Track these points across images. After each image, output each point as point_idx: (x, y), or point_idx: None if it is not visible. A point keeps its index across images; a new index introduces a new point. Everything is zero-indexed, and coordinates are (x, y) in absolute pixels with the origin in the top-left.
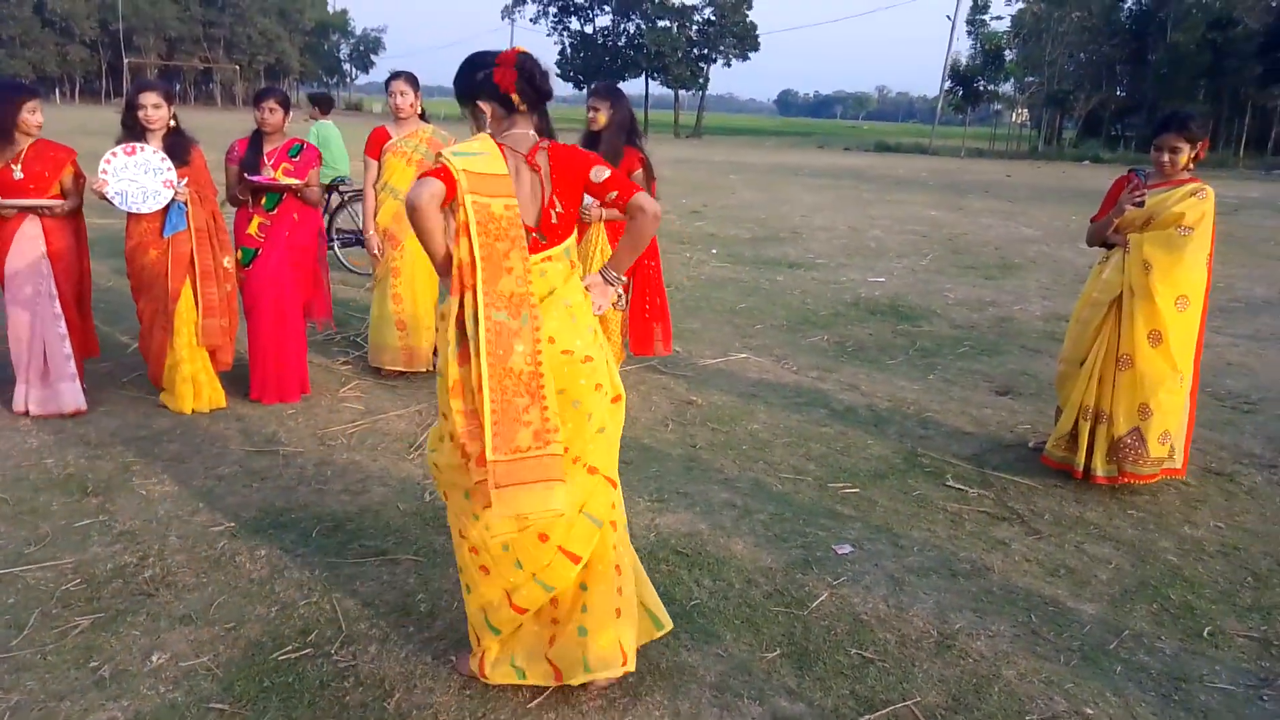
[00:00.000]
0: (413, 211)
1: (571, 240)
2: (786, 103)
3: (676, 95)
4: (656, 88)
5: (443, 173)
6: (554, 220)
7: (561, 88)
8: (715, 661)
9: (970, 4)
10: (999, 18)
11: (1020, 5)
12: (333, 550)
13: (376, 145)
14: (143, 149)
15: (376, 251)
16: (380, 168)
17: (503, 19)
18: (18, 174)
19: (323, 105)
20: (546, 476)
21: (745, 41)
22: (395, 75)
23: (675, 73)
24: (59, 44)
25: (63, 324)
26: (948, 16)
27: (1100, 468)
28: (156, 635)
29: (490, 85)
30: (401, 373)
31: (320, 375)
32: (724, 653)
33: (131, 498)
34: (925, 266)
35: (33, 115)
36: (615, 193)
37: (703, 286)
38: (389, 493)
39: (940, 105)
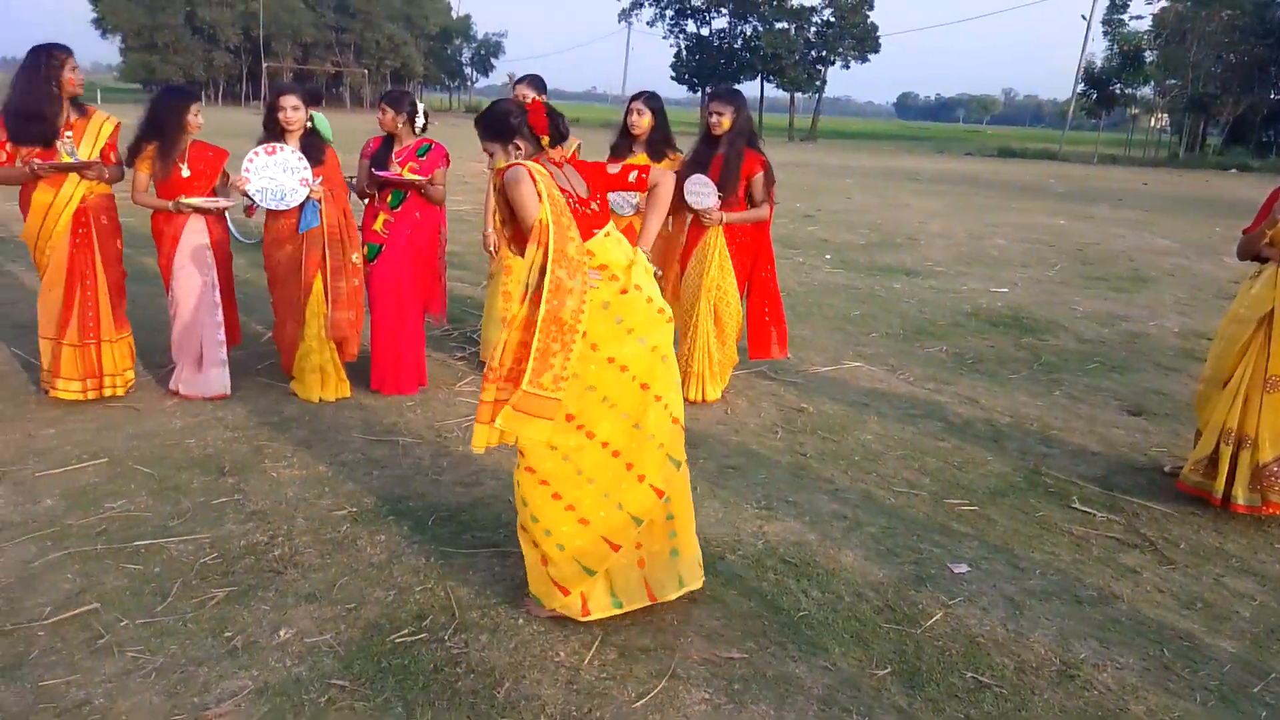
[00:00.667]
0: (516, 183)
1: (612, 227)
2: (905, 106)
3: (792, 98)
4: (771, 90)
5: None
6: (594, 209)
7: (675, 90)
8: (822, 674)
9: (1107, 3)
10: (1138, 17)
11: (1163, 4)
12: (447, 539)
13: None
14: (281, 149)
15: (492, 249)
16: None
17: (619, 22)
18: (185, 172)
19: (314, 97)
20: (547, 415)
21: (865, 43)
22: (521, 79)
23: (791, 75)
24: (206, 50)
25: (220, 313)
26: (1083, 16)
27: (1242, 496)
28: (284, 611)
29: (526, 127)
30: None
31: (437, 370)
32: (831, 666)
33: (263, 479)
34: (1051, 277)
35: (195, 118)
36: (635, 173)
37: (814, 292)
38: (500, 487)
39: (1072, 109)
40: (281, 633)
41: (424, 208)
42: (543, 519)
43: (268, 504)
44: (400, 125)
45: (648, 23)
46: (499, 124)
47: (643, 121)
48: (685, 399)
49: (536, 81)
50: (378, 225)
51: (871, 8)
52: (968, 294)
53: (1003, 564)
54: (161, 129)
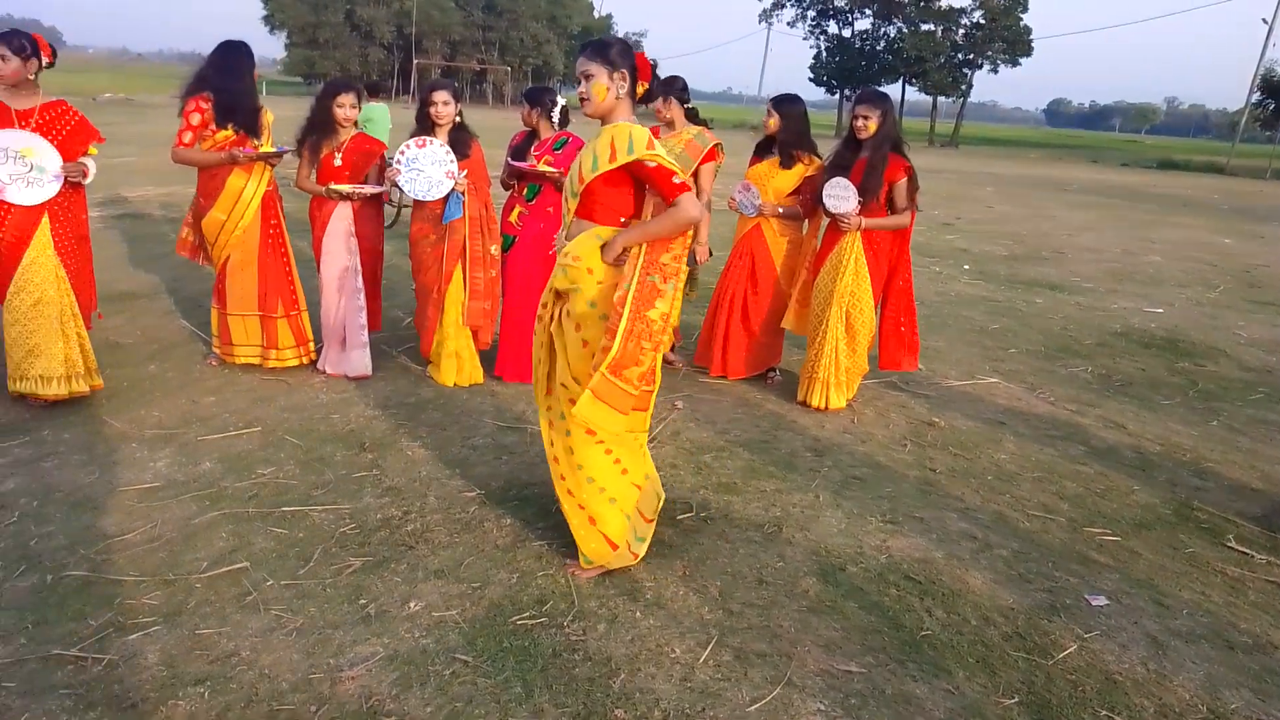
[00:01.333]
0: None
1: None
2: (1056, 113)
3: (934, 102)
4: (912, 93)
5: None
6: None
7: (812, 92)
8: (944, 697)
9: None
10: None
11: None
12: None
13: None
14: (431, 142)
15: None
16: None
17: (759, 23)
18: (337, 161)
19: (371, 90)
20: (625, 409)
21: (1016, 46)
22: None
23: (935, 79)
24: (361, 47)
25: (362, 297)
26: (1264, 20)
27: None
28: (414, 584)
29: (632, 67)
30: None
31: None
32: (954, 690)
33: (399, 457)
34: (1213, 299)
35: (340, 109)
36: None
37: (950, 304)
38: None
39: (1244, 120)
40: (411, 604)
41: (557, 203)
42: (599, 478)
43: (403, 481)
44: (539, 120)
45: (788, 23)
46: (606, 48)
47: (770, 124)
48: (809, 405)
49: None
50: (513, 217)
51: (1025, 10)
52: (1118, 312)
53: (1146, 600)
54: (316, 119)
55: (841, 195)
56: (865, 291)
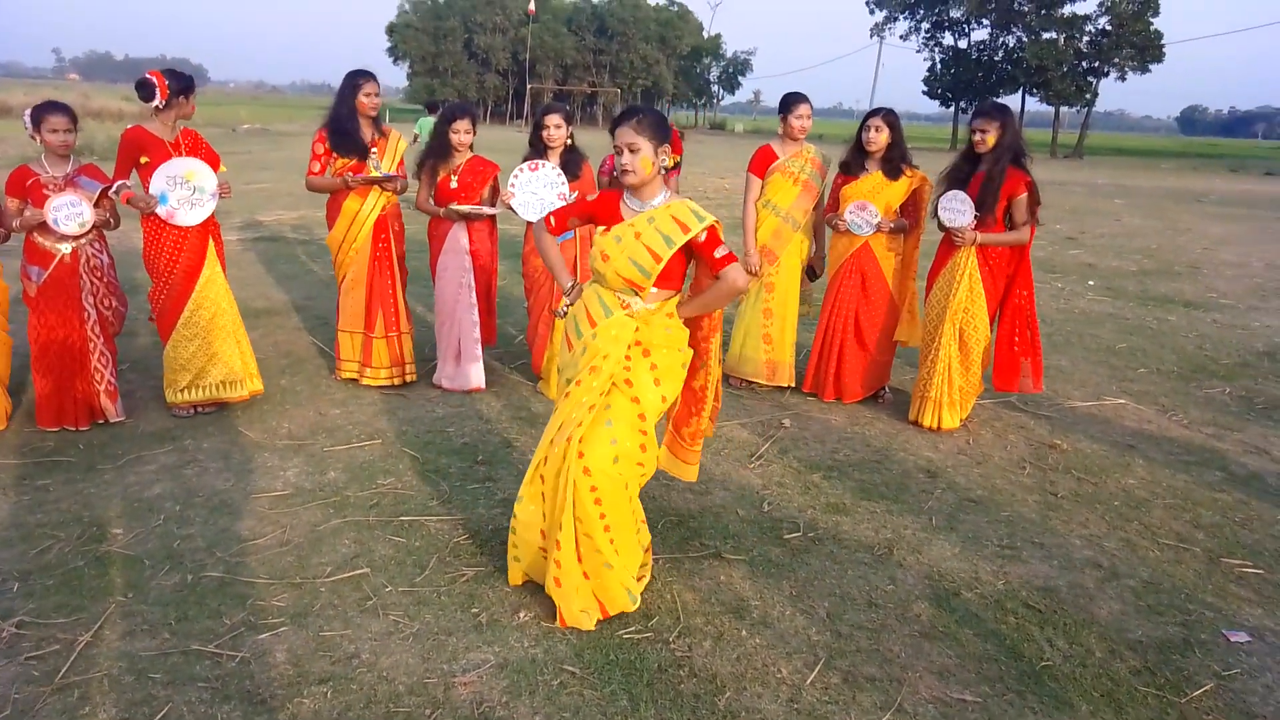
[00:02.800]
0: (744, 286)
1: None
2: (1191, 120)
3: (1057, 112)
4: (1033, 104)
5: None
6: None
7: (926, 105)
8: None
9: None
10: None
11: None
12: (675, 544)
13: (763, 164)
14: (543, 165)
15: (755, 268)
16: (764, 185)
17: (871, 37)
18: (453, 184)
19: (430, 108)
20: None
21: (1146, 53)
22: (799, 98)
23: (1058, 88)
24: (479, 73)
25: (476, 313)
26: None
27: None
28: (524, 595)
29: (670, 144)
30: (749, 383)
31: None
32: None
33: (510, 470)
34: None
35: (456, 134)
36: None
37: (1075, 321)
38: (729, 498)
39: None
40: (521, 614)
41: None
42: (623, 533)
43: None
44: None
45: (901, 36)
46: (661, 124)
47: (881, 138)
48: (921, 424)
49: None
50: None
51: (1156, 14)
52: (1261, 331)
53: None
54: (433, 144)
55: (958, 209)
56: (980, 308)
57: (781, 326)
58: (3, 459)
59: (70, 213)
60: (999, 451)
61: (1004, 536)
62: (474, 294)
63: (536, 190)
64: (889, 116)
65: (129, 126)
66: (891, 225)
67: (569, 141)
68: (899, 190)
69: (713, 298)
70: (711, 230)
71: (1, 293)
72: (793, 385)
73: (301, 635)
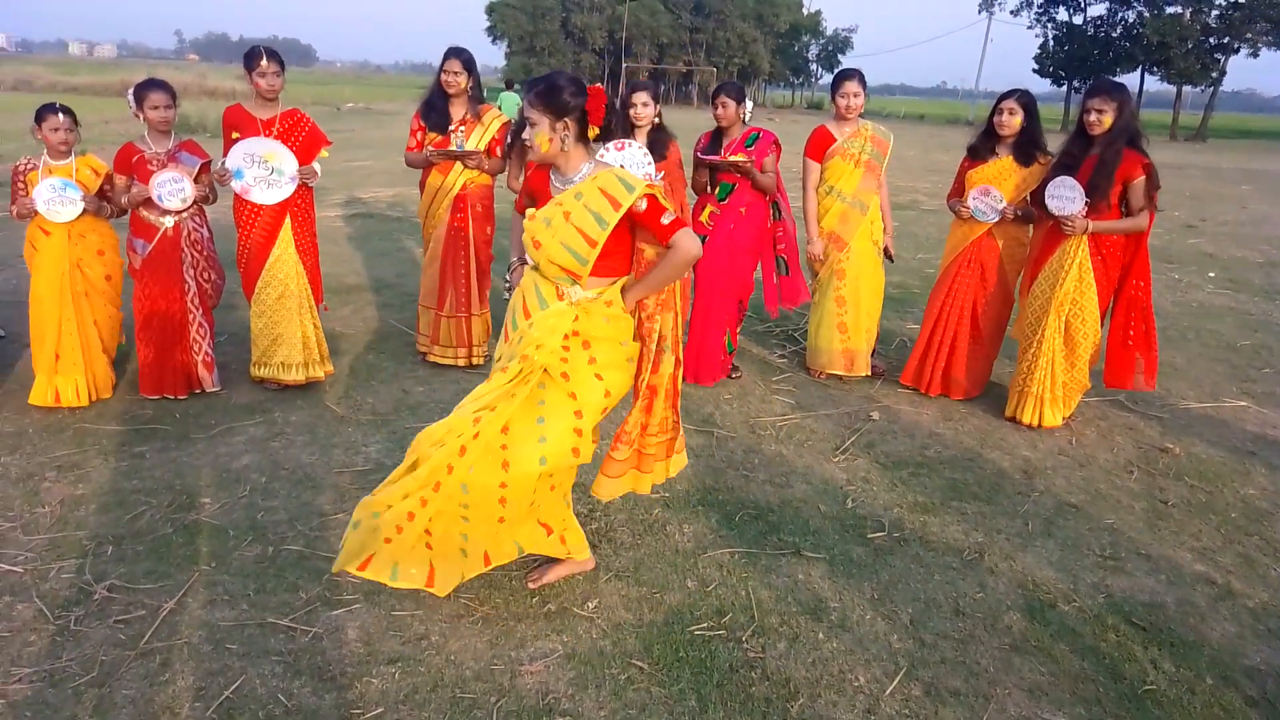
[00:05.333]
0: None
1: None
2: None
3: (1179, 91)
4: (1153, 83)
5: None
6: None
7: (1036, 84)
8: None
9: None
10: None
11: None
12: (752, 539)
13: (820, 147)
14: (629, 144)
15: (820, 255)
16: (823, 170)
17: (979, 13)
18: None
19: (508, 84)
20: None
21: None
22: (847, 75)
23: (1180, 66)
24: (575, 52)
25: None
26: None
27: None
28: (595, 584)
29: (581, 111)
30: (834, 375)
31: (756, 365)
32: None
33: None
34: None
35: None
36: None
37: (1191, 315)
38: (811, 491)
39: None
40: (590, 605)
41: (751, 204)
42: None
43: (589, 479)
44: (737, 114)
45: (1011, 12)
46: (553, 95)
47: (1014, 122)
48: (1020, 421)
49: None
50: (704, 217)
51: None
52: None
53: None
54: (521, 123)
55: (1066, 196)
56: (1089, 300)
57: (856, 314)
58: (105, 425)
59: (173, 188)
60: (1104, 453)
61: (1106, 546)
62: None
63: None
64: (1024, 98)
65: (229, 105)
66: (1018, 213)
67: (656, 121)
68: (1029, 177)
69: (665, 273)
70: (650, 199)
71: (118, 269)
72: (869, 374)
73: (373, 613)
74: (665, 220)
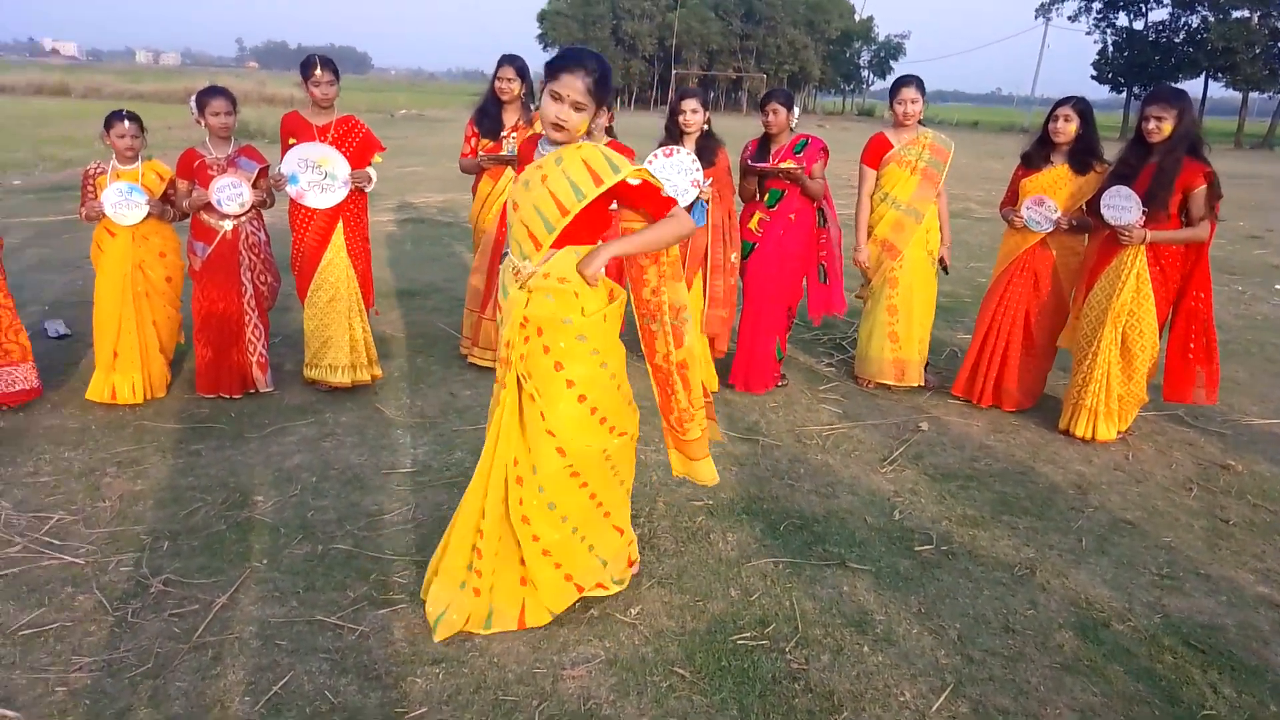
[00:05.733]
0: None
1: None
2: None
3: (1244, 98)
4: (1217, 89)
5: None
6: None
7: (1094, 90)
8: None
9: None
10: None
11: None
12: (797, 549)
13: (876, 154)
14: (678, 151)
15: (866, 262)
16: (879, 177)
17: (1036, 19)
18: None
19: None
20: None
21: None
22: (905, 81)
23: (1246, 72)
24: (625, 59)
25: None
26: None
27: None
28: (637, 590)
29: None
30: (883, 384)
31: (802, 374)
32: None
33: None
34: None
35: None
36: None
37: (1255, 328)
38: (857, 502)
39: None
40: (633, 611)
41: (800, 210)
42: (582, 524)
43: (634, 484)
44: (787, 121)
45: (1069, 17)
46: (607, 84)
47: (1070, 129)
48: (1073, 435)
49: (922, 85)
50: (752, 224)
51: None
52: None
53: None
54: None
55: (1122, 205)
56: (1147, 311)
57: (908, 324)
58: (164, 423)
59: (231, 194)
60: (1161, 469)
61: (1163, 565)
62: None
63: (670, 176)
64: (1080, 105)
65: (286, 112)
66: (1073, 223)
67: (705, 127)
68: (1085, 186)
69: (653, 235)
70: (644, 180)
71: (178, 270)
72: (921, 385)
73: (419, 613)
74: (665, 193)
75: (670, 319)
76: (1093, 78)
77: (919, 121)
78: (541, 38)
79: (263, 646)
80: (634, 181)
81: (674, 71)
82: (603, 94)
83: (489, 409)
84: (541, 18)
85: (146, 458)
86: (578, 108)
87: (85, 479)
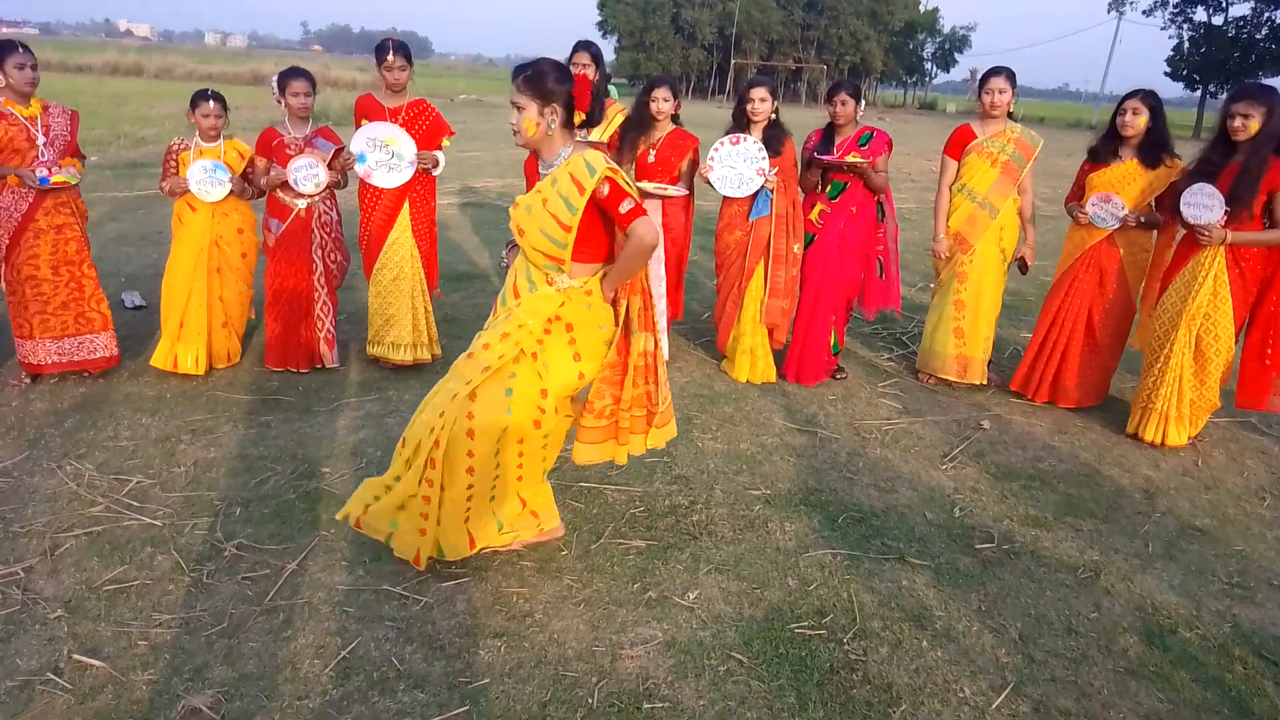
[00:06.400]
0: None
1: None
2: None
3: None
4: None
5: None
6: None
7: (1168, 87)
8: None
9: None
10: None
11: None
12: (855, 541)
13: (959, 144)
14: (745, 139)
15: (944, 253)
16: (960, 167)
17: (1108, 12)
18: (651, 157)
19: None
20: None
21: None
22: (994, 72)
23: None
24: (684, 48)
25: (664, 287)
26: None
27: None
28: (695, 574)
29: (568, 97)
30: (945, 380)
31: (862, 368)
32: None
33: (689, 447)
34: None
35: (654, 103)
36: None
37: None
38: (916, 498)
39: None
40: (691, 595)
41: (861, 203)
42: (528, 476)
43: (691, 471)
44: (855, 113)
45: (1144, 12)
46: (540, 79)
47: (1138, 122)
48: (1141, 439)
49: (1010, 76)
50: (813, 215)
51: None
52: None
53: None
54: (634, 115)
55: (1204, 204)
56: (1224, 315)
57: (974, 320)
58: (235, 394)
59: (308, 174)
60: (1233, 477)
61: (1234, 573)
62: (663, 267)
63: (736, 165)
64: (1149, 98)
65: (359, 95)
66: (1142, 219)
67: (773, 117)
68: (1155, 181)
69: (627, 263)
70: (611, 182)
71: (253, 247)
72: (984, 383)
73: (480, 588)
74: (623, 209)
75: (619, 326)
76: (1166, 74)
77: (1009, 115)
78: (601, 25)
79: (331, 612)
80: (604, 191)
81: (733, 61)
82: (538, 89)
83: (459, 366)
84: (601, 5)
85: (219, 426)
86: (519, 109)
87: (161, 445)
